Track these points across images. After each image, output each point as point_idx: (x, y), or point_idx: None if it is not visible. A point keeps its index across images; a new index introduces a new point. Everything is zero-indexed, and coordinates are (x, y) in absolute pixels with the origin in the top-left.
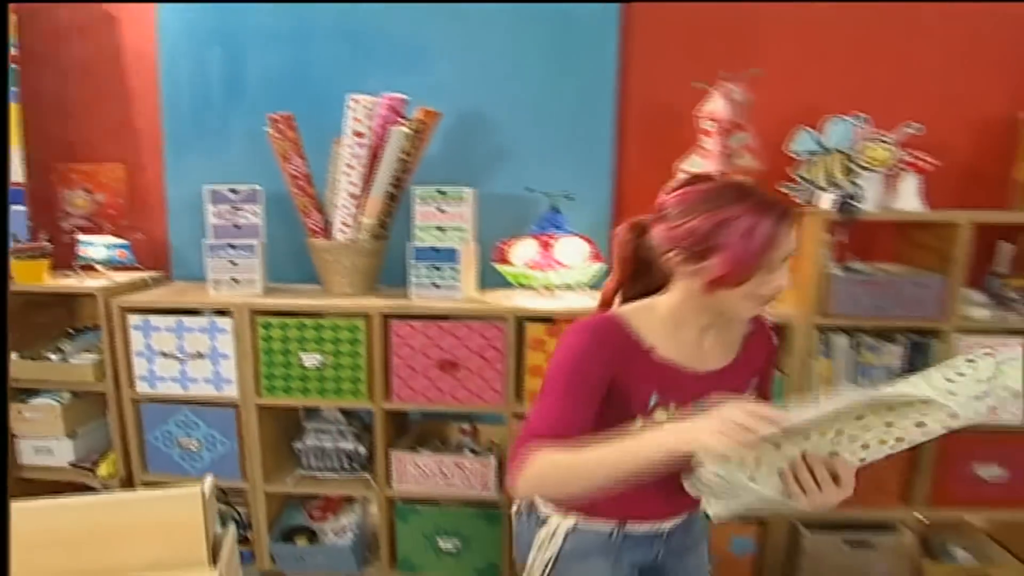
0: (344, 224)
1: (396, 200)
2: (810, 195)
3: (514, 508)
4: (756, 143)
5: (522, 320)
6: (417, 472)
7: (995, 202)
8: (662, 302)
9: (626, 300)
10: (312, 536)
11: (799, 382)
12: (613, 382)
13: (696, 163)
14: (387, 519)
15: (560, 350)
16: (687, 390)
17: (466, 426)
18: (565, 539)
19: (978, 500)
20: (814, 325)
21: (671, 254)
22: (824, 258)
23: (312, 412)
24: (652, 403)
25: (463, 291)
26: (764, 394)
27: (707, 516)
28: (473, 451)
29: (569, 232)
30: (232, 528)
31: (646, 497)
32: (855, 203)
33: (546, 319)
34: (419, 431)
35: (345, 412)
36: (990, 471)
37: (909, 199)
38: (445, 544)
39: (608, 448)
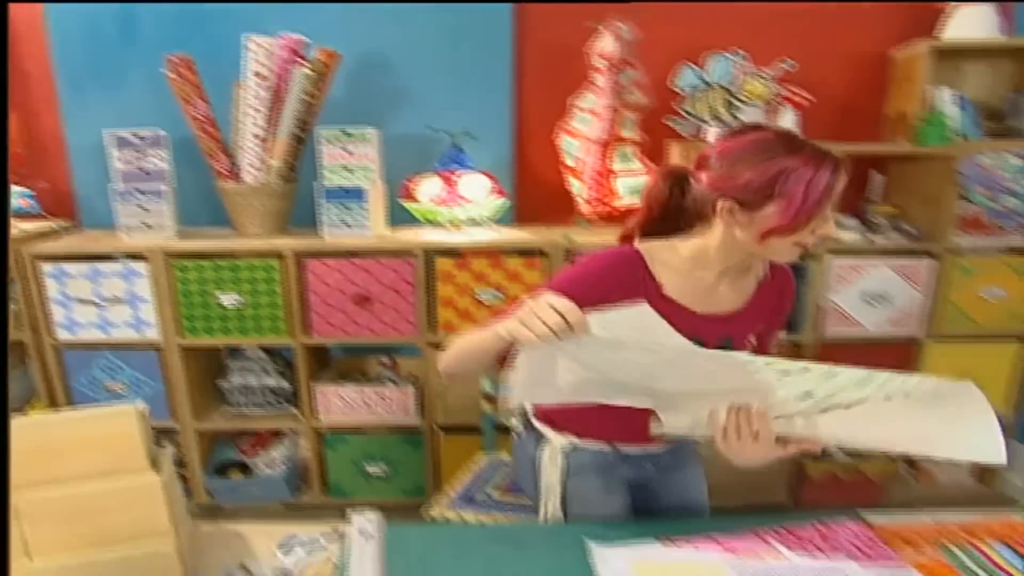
0: (252, 167)
1: (303, 142)
2: (695, 129)
3: (513, 433)
4: (645, 79)
5: (431, 254)
6: (341, 404)
7: (868, 135)
8: (688, 244)
9: (644, 237)
10: (245, 469)
11: None
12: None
13: (589, 99)
14: (316, 449)
15: (572, 270)
16: (687, 330)
17: (385, 359)
18: (567, 457)
19: None
20: None
21: (722, 203)
22: None
23: (235, 351)
24: None
25: (373, 229)
26: (773, 333)
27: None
28: (393, 382)
29: (471, 168)
30: (169, 448)
31: (630, 423)
32: None
33: (453, 252)
34: (341, 366)
35: (268, 350)
36: None
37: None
38: (373, 469)
39: (478, 332)
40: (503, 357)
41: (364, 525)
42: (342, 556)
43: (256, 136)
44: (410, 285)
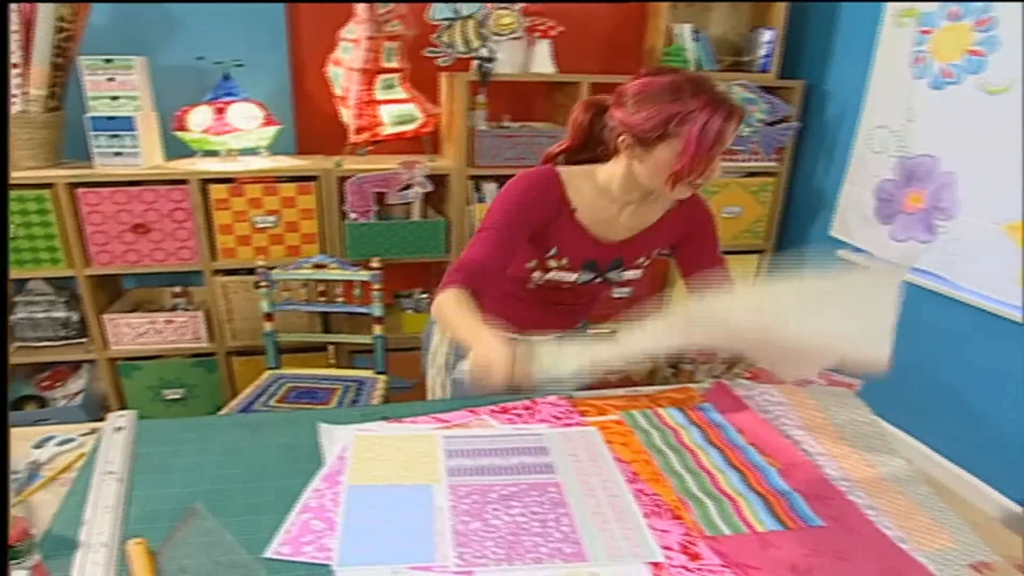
0: (11, 96)
1: (64, 70)
2: (452, 59)
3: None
4: (405, 10)
5: (205, 182)
6: (131, 332)
7: (632, 68)
8: (602, 172)
9: (571, 163)
10: (42, 403)
11: (459, 226)
12: (534, 227)
13: (351, 30)
14: (111, 379)
15: (500, 194)
16: (585, 253)
17: (177, 289)
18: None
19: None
20: (466, 176)
21: (624, 137)
22: (473, 117)
23: (19, 285)
24: (550, 253)
25: (146, 158)
26: (702, 259)
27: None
28: (185, 310)
29: (242, 98)
30: None
31: (528, 316)
32: (489, 65)
33: (227, 180)
34: (134, 297)
35: (54, 284)
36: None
37: (543, 62)
38: (171, 394)
39: (462, 319)
40: None
41: (117, 421)
42: (93, 447)
43: (12, 64)
44: (187, 213)
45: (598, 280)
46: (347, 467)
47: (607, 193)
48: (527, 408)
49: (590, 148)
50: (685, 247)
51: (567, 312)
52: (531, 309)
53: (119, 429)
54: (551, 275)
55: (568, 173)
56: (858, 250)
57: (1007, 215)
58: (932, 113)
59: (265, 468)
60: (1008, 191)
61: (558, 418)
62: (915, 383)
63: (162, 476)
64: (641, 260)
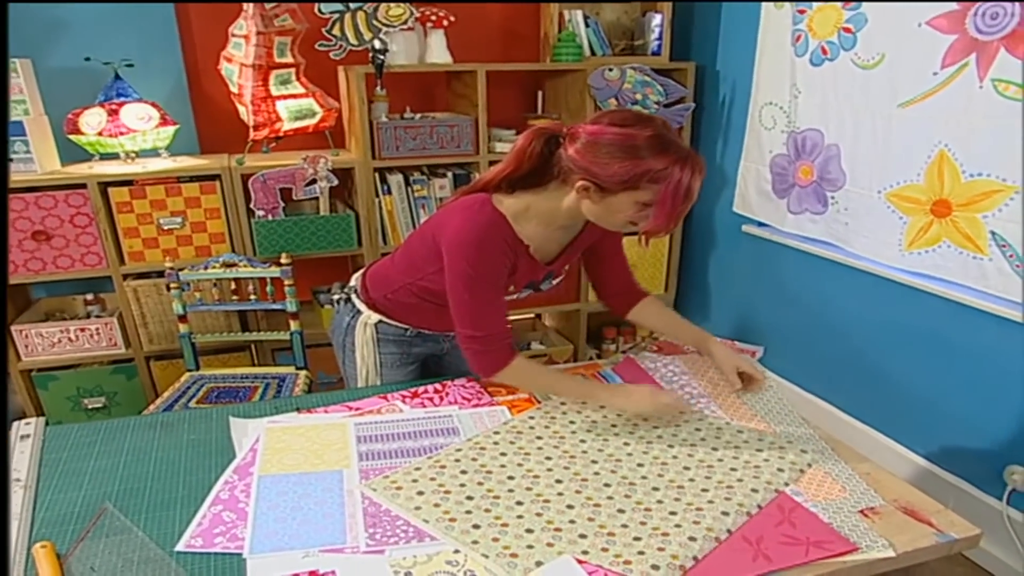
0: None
1: None
2: (344, 51)
3: (335, 297)
4: (295, 4)
5: (105, 186)
6: (44, 342)
7: (531, 55)
8: (541, 203)
9: (506, 184)
10: None
11: (368, 218)
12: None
13: (241, 26)
14: (28, 390)
15: (458, 248)
16: (530, 277)
17: (89, 296)
18: (376, 328)
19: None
20: (372, 168)
21: (583, 182)
22: (375, 110)
23: None
24: (511, 288)
25: (39, 163)
26: (607, 260)
27: None
28: (98, 317)
29: (136, 99)
30: None
31: (431, 317)
32: (383, 57)
33: (127, 183)
34: (45, 306)
35: None
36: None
37: (439, 52)
38: (92, 403)
39: (576, 383)
40: None
41: (23, 429)
42: None
43: None
44: (89, 218)
45: (532, 292)
46: (258, 458)
47: (551, 221)
48: (437, 391)
49: (532, 176)
50: (594, 251)
51: None
52: (437, 310)
53: (24, 437)
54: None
55: (510, 211)
56: (761, 224)
57: (888, 183)
58: (814, 88)
59: (176, 465)
60: (888, 160)
61: (468, 399)
62: (818, 346)
63: (71, 480)
64: (567, 268)
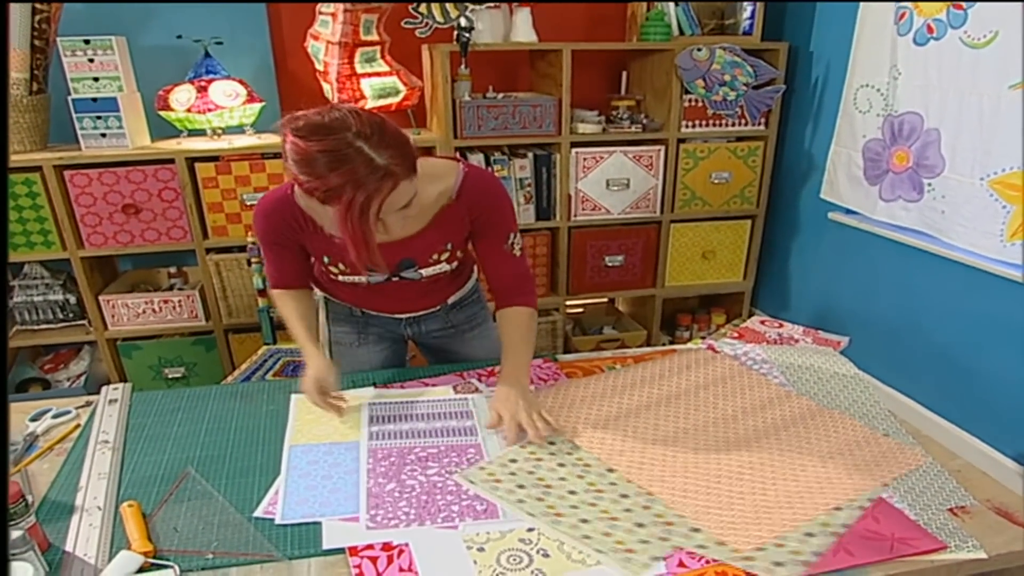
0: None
1: (43, 53)
2: (430, 29)
3: None
4: None
5: (192, 161)
6: (129, 313)
7: (617, 35)
8: None
9: None
10: (46, 385)
11: None
12: (298, 242)
13: (328, 4)
14: (112, 359)
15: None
16: (339, 253)
17: (173, 269)
18: (327, 306)
19: (606, 285)
20: (453, 148)
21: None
22: (458, 89)
23: (15, 269)
24: (327, 260)
25: (131, 139)
26: (489, 251)
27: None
28: (181, 289)
29: (224, 76)
30: None
31: (375, 299)
32: (468, 35)
33: (214, 158)
34: (131, 278)
35: (49, 267)
36: (614, 260)
37: (524, 31)
38: (172, 372)
39: (300, 334)
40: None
41: (111, 394)
42: (88, 418)
43: None
44: (175, 192)
45: (395, 279)
46: (289, 428)
47: None
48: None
49: None
50: (475, 238)
51: (410, 298)
52: (378, 297)
53: (113, 401)
54: (343, 278)
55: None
56: (849, 211)
57: (991, 170)
58: (915, 70)
59: (255, 434)
60: (992, 145)
61: (544, 379)
62: (905, 341)
63: (155, 444)
64: (436, 257)
